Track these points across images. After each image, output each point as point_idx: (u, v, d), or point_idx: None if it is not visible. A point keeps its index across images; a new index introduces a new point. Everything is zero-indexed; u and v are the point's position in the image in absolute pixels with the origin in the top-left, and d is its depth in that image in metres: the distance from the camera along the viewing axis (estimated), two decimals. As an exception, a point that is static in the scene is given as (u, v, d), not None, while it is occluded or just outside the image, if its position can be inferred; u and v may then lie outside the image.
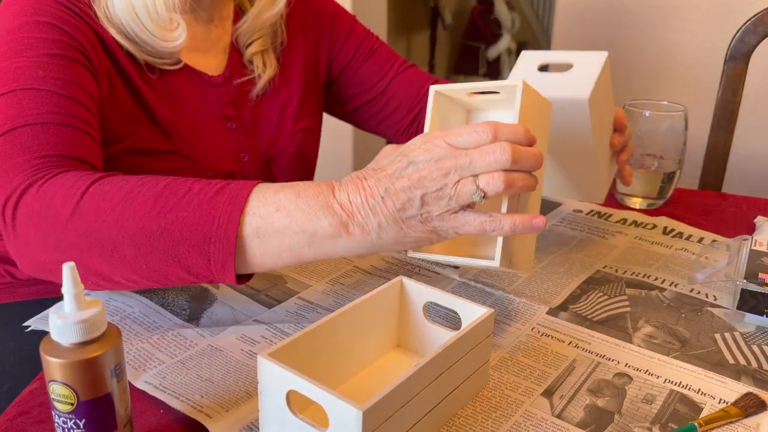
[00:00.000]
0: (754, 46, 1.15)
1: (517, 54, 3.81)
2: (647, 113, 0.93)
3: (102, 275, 0.60)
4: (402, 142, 1.02)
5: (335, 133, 1.05)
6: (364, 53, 1.02)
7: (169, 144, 0.81)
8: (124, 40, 0.76)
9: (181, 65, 0.82)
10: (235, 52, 0.90)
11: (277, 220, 0.56)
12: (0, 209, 0.62)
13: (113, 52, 0.76)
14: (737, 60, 1.16)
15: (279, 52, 0.94)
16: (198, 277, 0.58)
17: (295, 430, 0.48)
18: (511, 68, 3.71)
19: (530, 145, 0.57)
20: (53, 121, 0.66)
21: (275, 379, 0.48)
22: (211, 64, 0.87)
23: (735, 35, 1.16)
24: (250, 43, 0.90)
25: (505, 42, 3.61)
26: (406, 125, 1.03)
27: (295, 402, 0.48)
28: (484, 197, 0.55)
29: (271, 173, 0.94)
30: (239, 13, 0.91)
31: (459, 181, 0.55)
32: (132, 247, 0.57)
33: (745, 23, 1.15)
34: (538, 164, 0.57)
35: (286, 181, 0.96)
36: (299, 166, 0.98)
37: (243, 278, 0.59)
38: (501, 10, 3.57)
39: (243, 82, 0.89)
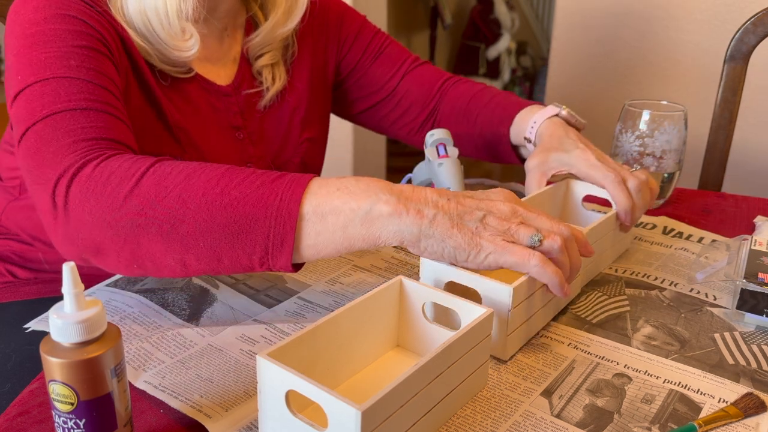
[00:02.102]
0: (754, 47, 1.15)
1: (518, 54, 3.82)
2: (647, 113, 0.93)
3: (153, 258, 0.60)
4: (415, 143, 0.99)
5: (335, 144, 1.04)
6: (373, 53, 1.00)
7: (179, 150, 0.81)
8: (142, 40, 0.76)
9: (192, 74, 0.82)
10: (245, 62, 0.89)
11: (336, 198, 0.57)
12: (51, 189, 0.61)
13: (131, 52, 0.76)
14: (737, 60, 1.16)
15: (289, 64, 0.93)
16: (252, 257, 0.58)
17: (294, 430, 0.48)
18: (511, 68, 3.67)
19: (584, 253, 0.63)
20: (91, 107, 0.66)
21: (274, 379, 0.48)
22: (221, 73, 0.87)
23: (735, 35, 1.16)
24: (261, 56, 0.89)
25: (504, 42, 3.61)
26: (418, 125, 1.02)
27: (295, 402, 0.48)
28: (540, 243, 0.58)
29: None
30: (252, 24, 0.91)
31: (522, 223, 0.59)
32: (192, 223, 0.58)
33: (744, 23, 1.15)
34: (577, 266, 0.61)
35: None
36: None
37: (294, 267, 0.60)
38: (501, 10, 3.57)
39: (252, 93, 0.89)
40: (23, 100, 0.66)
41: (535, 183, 0.83)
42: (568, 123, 0.87)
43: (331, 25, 0.98)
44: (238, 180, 0.59)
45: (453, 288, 0.61)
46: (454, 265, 0.60)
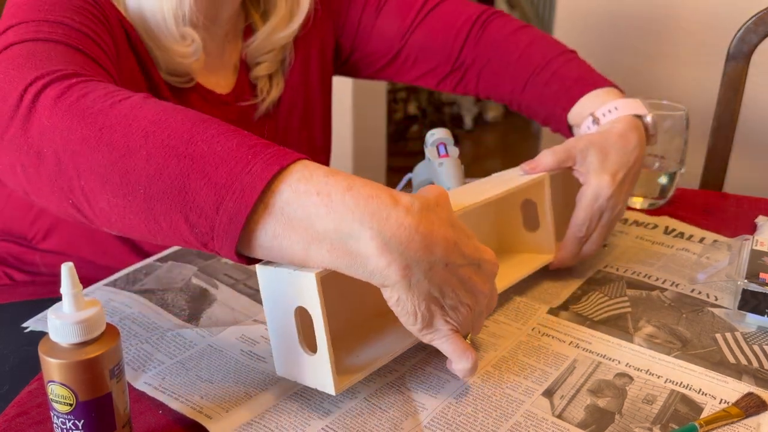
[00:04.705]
0: (756, 46, 1.15)
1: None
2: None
3: (89, 191, 0.50)
4: (458, 93, 0.94)
5: (335, 143, 1.03)
6: (373, 10, 0.92)
7: None
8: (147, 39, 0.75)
9: (193, 84, 0.82)
10: (245, 69, 0.88)
11: (312, 205, 0.46)
12: (23, 87, 0.52)
13: (139, 52, 0.75)
14: (738, 59, 1.16)
15: (287, 72, 0.91)
16: (195, 229, 0.47)
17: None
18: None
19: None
20: (89, 54, 0.61)
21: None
22: (221, 82, 0.86)
23: (736, 35, 1.15)
24: (258, 63, 0.88)
25: (505, 42, 3.61)
26: (444, 75, 0.93)
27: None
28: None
29: None
30: (251, 30, 0.89)
31: (469, 306, 0.52)
32: (143, 160, 0.48)
33: (746, 22, 1.15)
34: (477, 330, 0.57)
35: None
36: None
37: (241, 258, 0.49)
38: (501, 8, 3.57)
39: (247, 105, 0.87)
40: (12, 31, 0.60)
41: (549, 161, 0.71)
42: (646, 130, 0.78)
43: (321, 4, 0.92)
44: (212, 132, 0.48)
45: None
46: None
